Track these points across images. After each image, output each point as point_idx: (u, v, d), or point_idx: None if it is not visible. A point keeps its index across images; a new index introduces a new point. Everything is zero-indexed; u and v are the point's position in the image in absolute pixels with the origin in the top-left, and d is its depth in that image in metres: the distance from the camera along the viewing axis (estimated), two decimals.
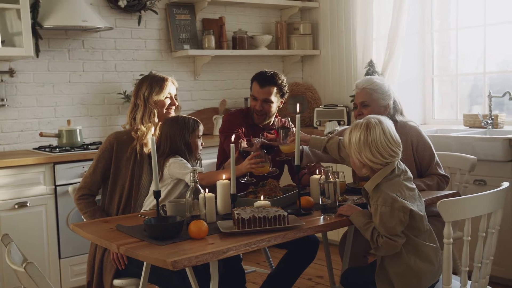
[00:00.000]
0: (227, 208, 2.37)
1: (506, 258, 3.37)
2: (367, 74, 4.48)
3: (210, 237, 2.04)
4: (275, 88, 3.01)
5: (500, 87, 4.18)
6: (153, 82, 2.74)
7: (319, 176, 2.40)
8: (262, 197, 2.37)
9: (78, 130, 3.85)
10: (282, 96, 3.06)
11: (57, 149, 3.74)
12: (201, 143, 2.72)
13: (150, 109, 2.70)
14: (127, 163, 2.66)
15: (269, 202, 2.29)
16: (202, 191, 2.21)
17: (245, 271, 3.04)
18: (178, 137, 2.65)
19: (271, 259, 3.33)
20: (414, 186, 2.21)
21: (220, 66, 4.88)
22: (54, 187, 3.53)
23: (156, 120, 2.72)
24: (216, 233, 2.08)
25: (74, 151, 3.68)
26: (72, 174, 3.58)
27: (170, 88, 2.77)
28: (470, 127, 4.09)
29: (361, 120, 2.20)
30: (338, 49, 5.03)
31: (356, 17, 4.74)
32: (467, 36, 4.46)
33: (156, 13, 4.46)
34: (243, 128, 3.04)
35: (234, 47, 4.81)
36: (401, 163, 2.23)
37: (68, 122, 3.90)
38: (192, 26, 4.66)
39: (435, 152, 2.81)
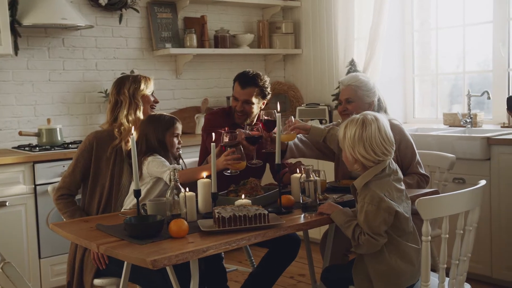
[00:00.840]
0: (208, 207, 2.36)
1: (484, 255, 3.42)
2: (348, 73, 4.50)
3: (190, 236, 2.04)
4: (256, 90, 2.99)
5: (481, 86, 4.23)
6: (137, 80, 2.74)
7: (300, 174, 2.41)
8: (243, 196, 2.37)
9: (58, 129, 3.82)
10: (263, 97, 3.05)
11: (37, 148, 3.71)
12: (179, 142, 2.70)
13: (136, 104, 2.70)
14: (107, 162, 2.64)
15: (250, 201, 2.29)
16: (182, 190, 2.21)
17: (227, 269, 3.04)
18: (153, 135, 2.63)
19: (252, 258, 3.33)
20: (403, 187, 2.22)
21: (202, 65, 4.87)
22: (34, 186, 3.50)
23: (141, 116, 2.71)
24: (196, 232, 2.08)
25: (54, 150, 3.65)
26: (52, 173, 3.55)
27: (153, 86, 2.80)
28: (450, 126, 4.14)
29: (358, 116, 2.21)
30: (320, 48, 5.05)
31: (338, 17, 4.76)
32: (447, 36, 4.51)
33: (137, 11, 4.44)
34: (226, 128, 3.04)
35: (216, 46, 4.80)
36: (393, 163, 2.24)
37: (48, 120, 3.86)
38: (173, 25, 4.65)
39: (416, 151, 2.84)
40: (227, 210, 2.11)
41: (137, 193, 2.19)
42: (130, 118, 2.67)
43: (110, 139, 2.66)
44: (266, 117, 2.71)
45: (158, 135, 2.62)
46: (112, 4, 4.28)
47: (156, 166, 2.54)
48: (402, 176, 2.25)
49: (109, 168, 2.64)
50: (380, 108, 2.91)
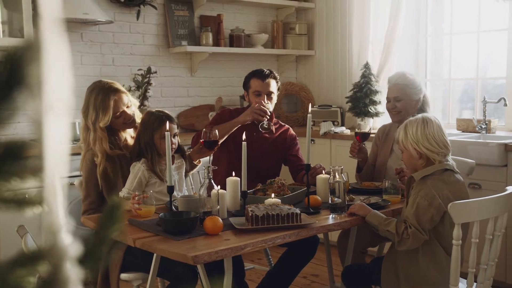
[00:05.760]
0: (237, 204, 2.39)
1: (499, 260, 3.44)
2: (363, 76, 4.54)
3: (223, 233, 2.06)
4: (275, 81, 3.14)
5: (482, 93, 4.30)
6: (97, 106, 2.57)
7: (328, 175, 2.44)
8: (272, 195, 2.40)
9: (76, 123, 3.83)
10: (277, 90, 3.19)
11: None
12: (173, 142, 2.54)
13: (100, 137, 2.55)
14: (114, 172, 2.60)
15: (280, 200, 2.32)
16: (215, 187, 2.23)
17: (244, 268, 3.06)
18: (143, 137, 2.55)
19: (270, 257, 3.36)
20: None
21: (216, 63, 4.89)
22: None
23: (108, 147, 2.56)
24: (228, 230, 2.10)
25: (73, 144, 3.66)
26: (72, 167, 3.55)
27: (117, 105, 2.60)
28: (463, 132, 4.17)
29: (416, 116, 2.33)
30: (333, 50, 5.08)
31: (353, 19, 4.79)
32: (461, 42, 4.55)
33: (155, 8, 4.45)
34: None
35: (231, 45, 4.82)
36: (461, 183, 2.29)
37: None
38: (190, 23, 4.67)
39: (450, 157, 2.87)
40: (260, 209, 2.13)
41: (170, 189, 2.21)
42: (96, 148, 2.55)
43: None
44: (360, 131, 2.93)
45: (146, 137, 2.54)
46: (131, 0, 4.30)
47: (128, 179, 2.53)
48: (467, 194, 2.27)
49: (119, 176, 2.60)
50: (425, 103, 3.01)
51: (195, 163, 2.82)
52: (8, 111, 0.47)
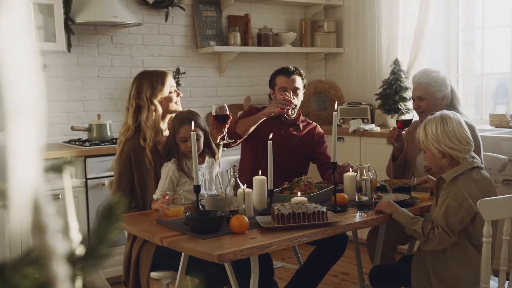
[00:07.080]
0: (263, 203, 2.40)
1: None
2: (392, 72, 4.49)
3: (250, 231, 2.07)
4: (300, 78, 3.14)
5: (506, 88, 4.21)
6: (153, 81, 2.65)
7: (355, 173, 2.43)
8: (299, 193, 2.40)
9: (108, 124, 3.90)
10: (304, 87, 3.19)
11: (87, 143, 3.79)
12: (190, 145, 2.46)
13: (155, 108, 2.62)
14: (149, 168, 2.62)
15: (306, 198, 2.31)
16: (241, 186, 2.24)
17: (273, 266, 3.06)
18: (169, 136, 2.59)
19: (299, 255, 3.36)
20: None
21: (245, 63, 4.91)
22: (85, 180, 3.58)
23: (160, 120, 2.64)
24: (255, 228, 2.11)
25: (104, 145, 3.73)
26: (103, 168, 3.63)
27: (171, 81, 2.73)
28: (496, 127, 4.09)
29: (435, 114, 2.27)
30: (362, 47, 5.04)
31: (381, 15, 4.75)
32: (492, 36, 4.46)
33: (183, 9, 4.50)
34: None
35: (259, 44, 4.83)
36: (488, 180, 2.25)
37: (98, 116, 3.95)
38: (218, 23, 4.70)
39: (481, 153, 2.81)
40: (286, 207, 2.13)
41: (197, 188, 2.24)
42: (149, 124, 2.60)
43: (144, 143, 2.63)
44: (402, 118, 2.95)
45: (171, 137, 2.57)
46: (159, 2, 4.35)
47: (160, 181, 2.55)
48: (493, 193, 2.23)
49: (152, 173, 2.62)
50: (454, 98, 2.94)
51: (217, 142, 2.81)
52: None
